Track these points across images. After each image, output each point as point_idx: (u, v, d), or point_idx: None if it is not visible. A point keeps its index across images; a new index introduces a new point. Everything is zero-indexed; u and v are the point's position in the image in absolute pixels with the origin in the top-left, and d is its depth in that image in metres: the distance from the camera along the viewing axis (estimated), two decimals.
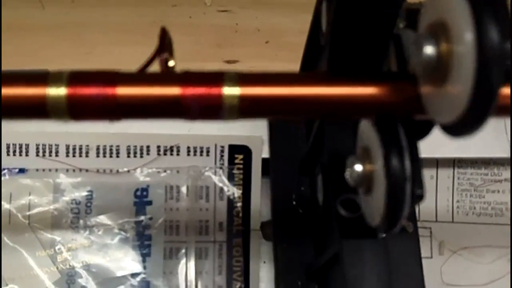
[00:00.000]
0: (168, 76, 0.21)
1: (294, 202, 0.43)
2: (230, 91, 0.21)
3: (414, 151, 0.23)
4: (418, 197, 0.23)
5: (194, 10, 0.59)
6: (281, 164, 0.44)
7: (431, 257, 0.47)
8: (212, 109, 0.21)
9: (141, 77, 0.22)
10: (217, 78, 0.21)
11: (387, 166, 0.22)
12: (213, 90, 0.21)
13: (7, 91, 0.21)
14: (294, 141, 0.44)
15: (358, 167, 0.24)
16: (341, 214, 0.30)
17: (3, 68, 0.55)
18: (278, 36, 0.58)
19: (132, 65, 0.57)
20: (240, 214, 0.46)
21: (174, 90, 0.21)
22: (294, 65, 0.58)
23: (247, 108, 0.21)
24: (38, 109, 0.21)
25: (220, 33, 0.58)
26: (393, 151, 0.22)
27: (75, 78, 0.21)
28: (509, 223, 0.46)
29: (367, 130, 0.25)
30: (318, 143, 0.38)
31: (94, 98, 0.21)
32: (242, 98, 0.21)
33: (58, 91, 0.21)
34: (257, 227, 0.47)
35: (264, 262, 0.48)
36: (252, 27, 0.58)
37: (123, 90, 0.21)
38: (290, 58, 0.58)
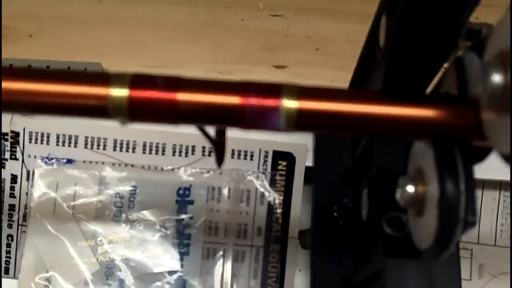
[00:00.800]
0: (229, 85, 0.22)
1: (335, 214, 0.43)
2: (289, 103, 0.21)
3: (469, 177, 0.22)
4: (470, 224, 0.22)
5: (247, 12, 0.59)
6: (325, 173, 0.44)
7: (470, 280, 0.46)
8: (269, 121, 0.21)
9: (202, 84, 0.22)
10: (276, 90, 0.21)
11: (442, 191, 0.22)
12: (272, 102, 0.21)
13: (70, 89, 0.22)
14: (339, 151, 0.44)
15: (410, 188, 0.24)
16: (386, 231, 0.30)
17: (56, 58, 0.57)
18: (328, 44, 0.58)
19: (182, 64, 0.58)
20: (280, 221, 0.46)
21: (233, 99, 0.22)
22: (342, 74, 0.58)
23: (304, 122, 0.21)
24: (99, 109, 0.21)
25: (271, 37, 0.58)
26: (449, 176, 0.22)
27: (138, 80, 0.22)
28: None
29: (421, 151, 0.24)
30: (366, 156, 0.38)
31: (155, 101, 0.22)
32: (300, 112, 0.21)
33: (121, 92, 0.21)
34: (295, 234, 0.47)
35: (300, 270, 0.48)
36: (303, 33, 0.58)
37: (184, 96, 0.22)
38: (338, 67, 0.58)
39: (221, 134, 0.23)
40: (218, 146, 0.24)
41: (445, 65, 0.32)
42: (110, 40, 0.58)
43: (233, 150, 0.47)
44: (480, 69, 0.21)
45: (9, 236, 0.48)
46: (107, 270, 0.44)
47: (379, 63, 0.34)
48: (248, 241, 0.46)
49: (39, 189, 0.46)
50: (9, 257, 0.48)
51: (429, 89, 0.29)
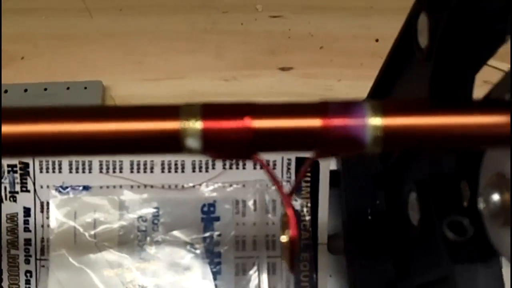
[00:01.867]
0: (306, 107, 0.20)
1: (369, 217, 0.42)
2: (374, 121, 0.20)
3: None
4: None
5: (246, 16, 0.58)
6: (353, 177, 0.43)
7: None
8: (354, 142, 0.20)
9: (277, 108, 0.20)
10: (359, 107, 0.20)
11: None
12: (356, 121, 0.20)
13: (139, 126, 0.20)
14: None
15: (496, 197, 0.23)
16: (448, 237, 0.29)
17: (52, 79, 0.54)
18: (331, 41, 0.57)
19: (185, 74, 0.56)
20: (309, 228, 0.45)
21: (314, 122, 0.20)
22: (349, 71, 0.57)
23: (391, 140, 0.20)
24: (171, 145, 0.20)
25: (273, 39, 0.57)
26: None
27: (209, 110, 0.20)
28: None
29: (501, 156, 0.23)
30: (404, 159, 0.37)
31: (230, 131, 0.20)
32: (387, 129, 0.20)
33: (195, 125, 0.20)
34: (324, 240, 0.46)
35: (330, 276, 0.47)
36: (305, 33, 0.57)
37: (260, 123, 0.20)
38: (345, 64, 0.57)
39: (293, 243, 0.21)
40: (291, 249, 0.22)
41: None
42: (107, 56, 0.56)
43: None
44: None
45: (27, 272, 0.45)
46: None
47: (416, 64, 0.33)
48: (277, 252, 0.45)
49: (56, 221, 0.44)
50: None
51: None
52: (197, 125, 0.20)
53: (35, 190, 0.45)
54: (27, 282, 0.45)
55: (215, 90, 0.54)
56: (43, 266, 0.45)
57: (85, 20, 0.57)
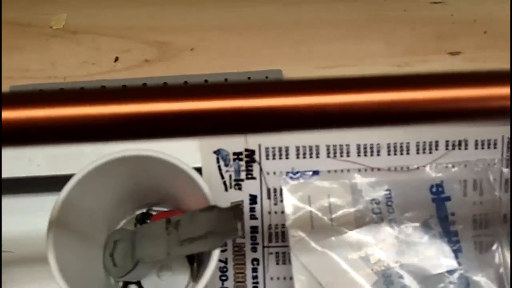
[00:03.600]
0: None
1: None
2: None
3: None
4: None
5: (407, 2, 0.59)
6: None
7: None
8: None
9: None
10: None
11: None
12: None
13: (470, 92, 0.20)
14: None
15: None
16: None
17: (222, 70, 0.54)
18: (495, 26, 0.58)
19: (357, 61, 0.57)
20: None
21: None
22: None
23: None
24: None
25: (438, 25, 0.58)
26: None
27: None
28: None
29: None
30: None
31: None
32: None
33: None
34: None
35: None
36: (469, 18, 0.58)
37: None
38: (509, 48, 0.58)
39: None
40: None
41: None
42: (276, 45, 0.56)
43: (476, 141, 0.46)
44: None
45: (254, 260, 0.45)
46: (386, 279, 0.43)
47: None
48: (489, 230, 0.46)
49: (292, 206, 0.44)
50: (257, 282, 0.45)
51: None
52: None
53: (261, 177, 0.45)
54: (254, 270, 0.45)
55: None
56: (271, 253, 0.45)
57: (249, 10, 0.57)
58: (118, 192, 0.43)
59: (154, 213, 0.47)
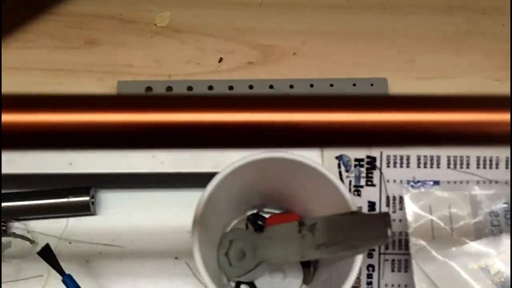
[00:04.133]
0: None
1: None
2: None
3: None
4: None
5: (506, 18, 0.59)
6: None
7: None
8: None
9: None
10: None
11: None
12: None
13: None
14: None
15: None
16: None
17: (324, 76, 0.54)
18: None
19: (456, 73, 0.57)
20: None
21: None
22: None
23: None
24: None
25: None
26: None
27: None
28: None
29: None
30: None
31: None
32: None
33: None
34: None
35: None
36: None
37: None
38: None
39: None
40: None
41: None
42: (377, 54, 0.57)
43: None
44: None
45: (370, 266, 0.46)
46: None
47: None
48: None
49: (413, 214, 0.44)
50: None
51: None
52: None
53: (381, 184, 0.45)
54: (369, 276, 0.45)
55: (488, 91, 0.56)
56: (387, 260, 0.46)
57: (348, 17, 0.58)
58: (242, 193, 0.44)
59: (265, 215, 0.47)
